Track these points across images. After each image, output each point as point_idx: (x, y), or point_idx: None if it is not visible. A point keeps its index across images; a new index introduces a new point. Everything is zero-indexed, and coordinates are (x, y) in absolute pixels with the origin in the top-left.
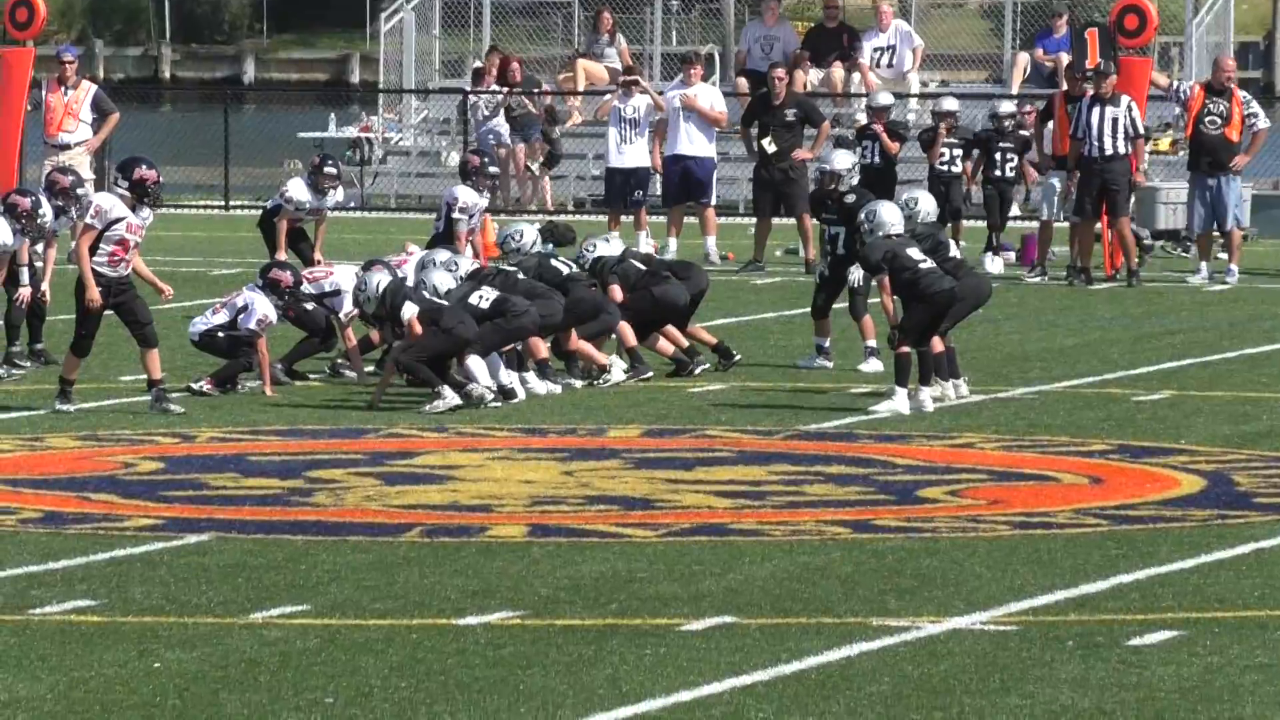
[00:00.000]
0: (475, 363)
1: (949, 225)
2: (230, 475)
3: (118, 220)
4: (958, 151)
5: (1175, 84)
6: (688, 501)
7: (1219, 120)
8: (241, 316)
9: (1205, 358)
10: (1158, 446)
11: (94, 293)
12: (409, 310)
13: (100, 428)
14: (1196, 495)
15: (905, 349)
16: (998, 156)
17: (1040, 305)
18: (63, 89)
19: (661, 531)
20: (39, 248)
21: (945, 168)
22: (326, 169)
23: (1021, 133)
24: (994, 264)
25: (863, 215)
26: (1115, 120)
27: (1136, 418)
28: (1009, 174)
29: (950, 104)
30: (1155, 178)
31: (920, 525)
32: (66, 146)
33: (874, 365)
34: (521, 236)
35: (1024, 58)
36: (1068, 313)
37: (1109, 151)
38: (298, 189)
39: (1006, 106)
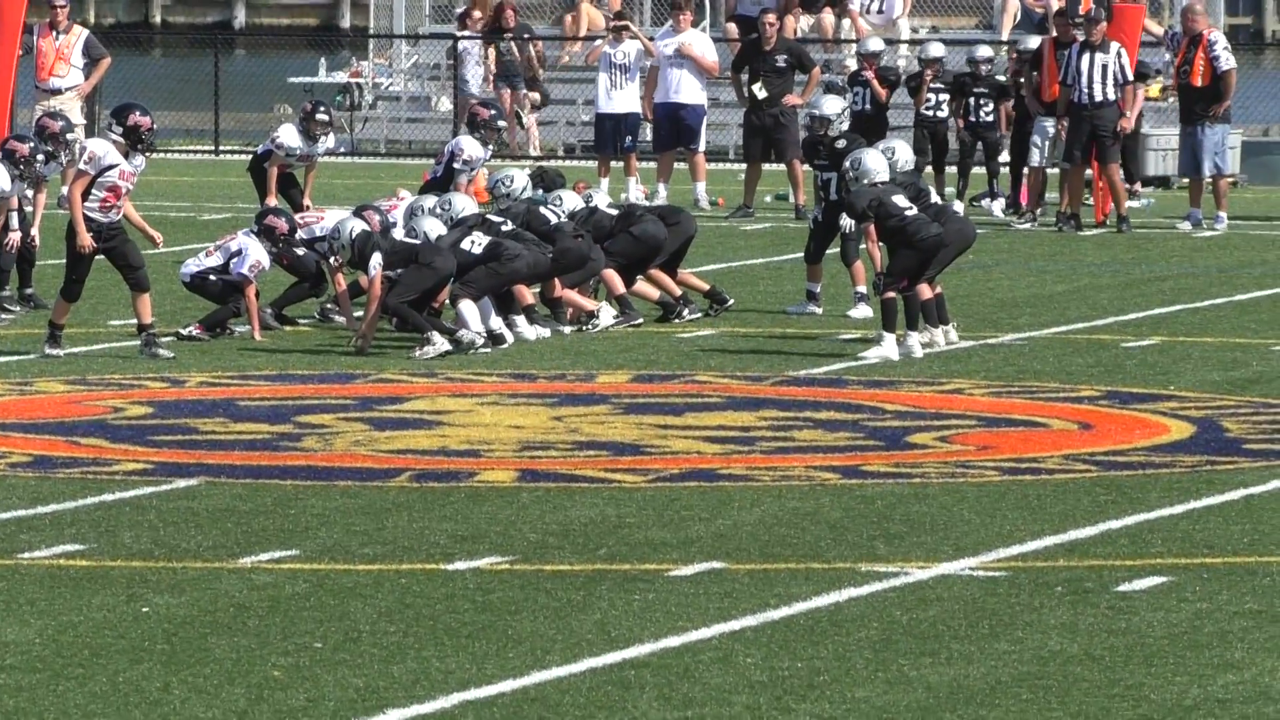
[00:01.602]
0: (468, 308)
1: (939, 169)
2: (219, 420)
3: (110, 167)
4: (944, 97)
5: (1168, 30)
6: (677, 447)
7: (1188, 68)
8: (234, 261)
9: (1194, 304)
10: (1147, 393)
11: (85, 238)
12: (375, 263)
13: (89, 372)
14: (1186, 441)
15: (892, 295)
16: (972, 101)
17: (1030, 251)
18: (54, 33)
19: (651, 477)
20: (29, 192)
21: (931, 113)
22: (319, 115)
23: (998, 78)
24: (995, 207)
25: (847, 163)
26: (1105, 67)
27: (1126, 364)
28: (984, 119)
29: (936, 49)
30: (1145, 124)
31: (909, 471)
32: (58, 91)
33: (863, 311)
34: (512, 182)
35: (1014, 3)
36: (1057, 259)
37: (1098, 98)
38: (289, 134)
39: (983, 51)
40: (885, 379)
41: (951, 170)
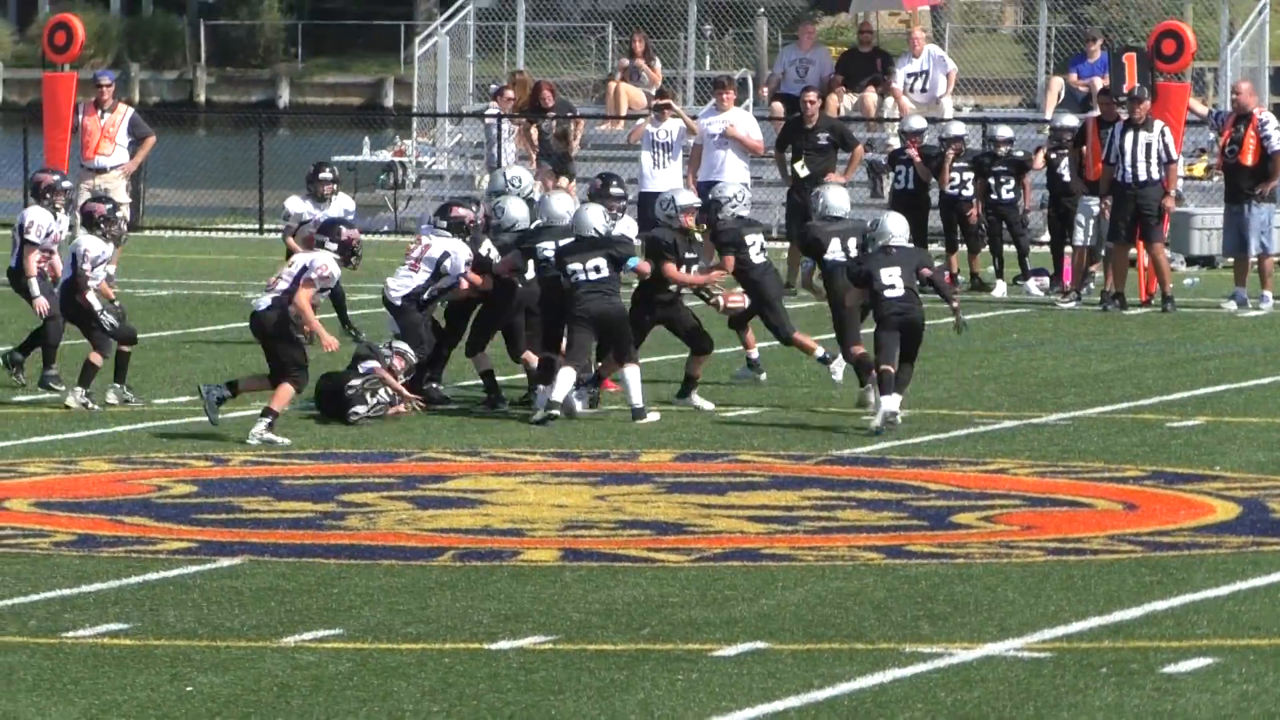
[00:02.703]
0: (567, 375)
1: (959, 251)
2: (263, 498)
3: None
4: (967, 175)
5: (1213, 110)
6: (720, 526)
7: (1236, 147)
8: (448, 265)
9: (1240, 384)
10: (1192, 473)
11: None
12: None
13: (134, 451)
14: (1231, 522)
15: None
16: (992, 181)
17: (1074, 330)
18: (99, 112)
19: (694, 556)
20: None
21: (956, 191)
22: (321, 175)
23: (1016, 154)
24: (1000, 290)
25: (869, 224)
26: (1149, 145)
27: (1171, 443)
28: (1005, 196)
29: (958, 128)
30: (1190, 203)
31: (953, 551)
32: (103, 170)
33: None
34: (504, 212)
35: (1057, 82)
36: (1102, 338)
37: (1142, 177)
38: (294, 203)
39: (1004, 131)
40: (929, 459)
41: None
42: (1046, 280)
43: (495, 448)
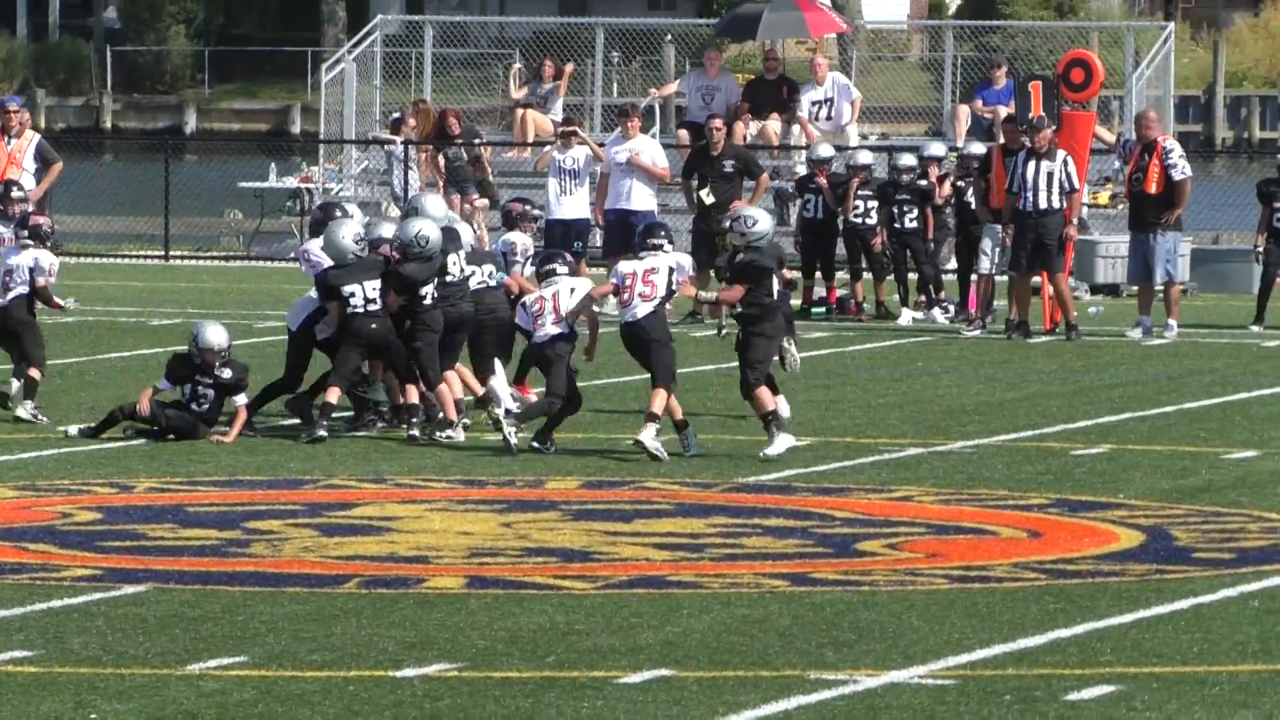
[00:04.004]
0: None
1: (864, 279)
2: (168, 526)
3: None
4: (872, 204)
5: (1119, 138)
6: (626, 554)
7: (1141, 175)
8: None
9: (1144, 411)
10: (1096, 501)
11: None
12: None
13: (38, 477)
14: (1135, 550)
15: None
16: (895, 210)
17: (979, 359)
18: (6, 138)
19: (599, 584)
20: None
21: (859, 220)
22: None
23: (920, 183)
24: (905, 318)
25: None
26: (1050, 174)
27: (1075, 472)
28: (908, 225)
29: (865, 157)
30: (1095, 231)
31: (858, 578)
32: None
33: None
34: (428, 243)
35: (964, 110)
36: (1006, 366)
37: (1044, 206)
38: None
39: (906, 159)
40: (834, 486)
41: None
42: (951, 308)
43: (401, 475)
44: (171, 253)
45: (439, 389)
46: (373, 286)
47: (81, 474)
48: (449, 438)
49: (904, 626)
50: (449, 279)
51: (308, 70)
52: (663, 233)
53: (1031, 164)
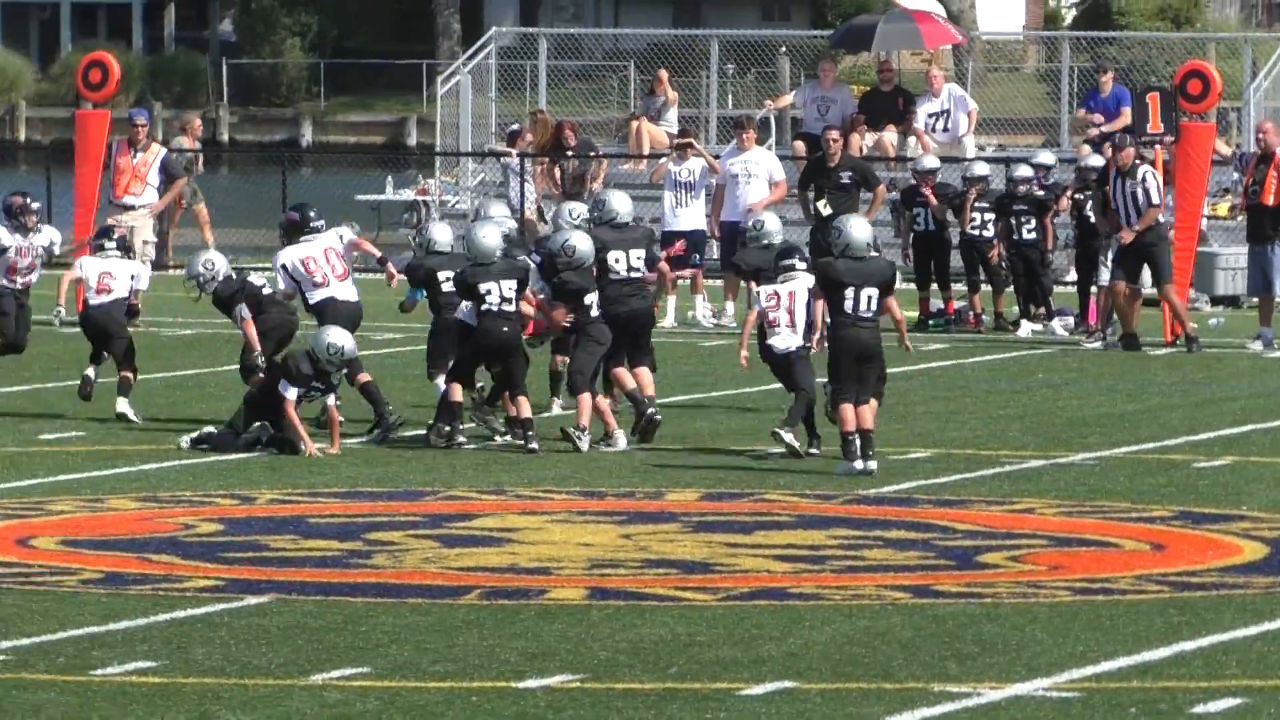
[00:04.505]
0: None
1: (982, 291)
2: (290, 537)
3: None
4: (989, 216)
5: (1237, 150)
6: (747, 565)
7: (1258, 187)
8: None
9: (1266, 424)
10: (1219, 513)
11: None
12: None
13: (161, 489)
14: (1259, 562)
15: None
16: (1014, 221)
17: (1099, 371)
18: (132, 151)
19: (721, 595)
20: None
21: (977, 232)
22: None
23: (1038, 194)
24: (1025, 330)
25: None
26: (1134, 192)
27: (1198, 484)
28: (1026, 236)
29: (981, 168)
30: (1214, 243)
31: (981, 590)
32: (130, 208)
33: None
34: (575, 252)
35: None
36: (1127, 378)
37: (1134, 222)
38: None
39: (1023, 170)
40: (956, 498)
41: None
42: (1071, 320)
43: (521, 486)
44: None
45: (597, 400)
46: (509, 287)
47: (203, 486)
48: (609, 447)
49: (1027, 639)
50: (613, 276)
51: (423, 82)
52: (797, 254)
53: (1119, 182)
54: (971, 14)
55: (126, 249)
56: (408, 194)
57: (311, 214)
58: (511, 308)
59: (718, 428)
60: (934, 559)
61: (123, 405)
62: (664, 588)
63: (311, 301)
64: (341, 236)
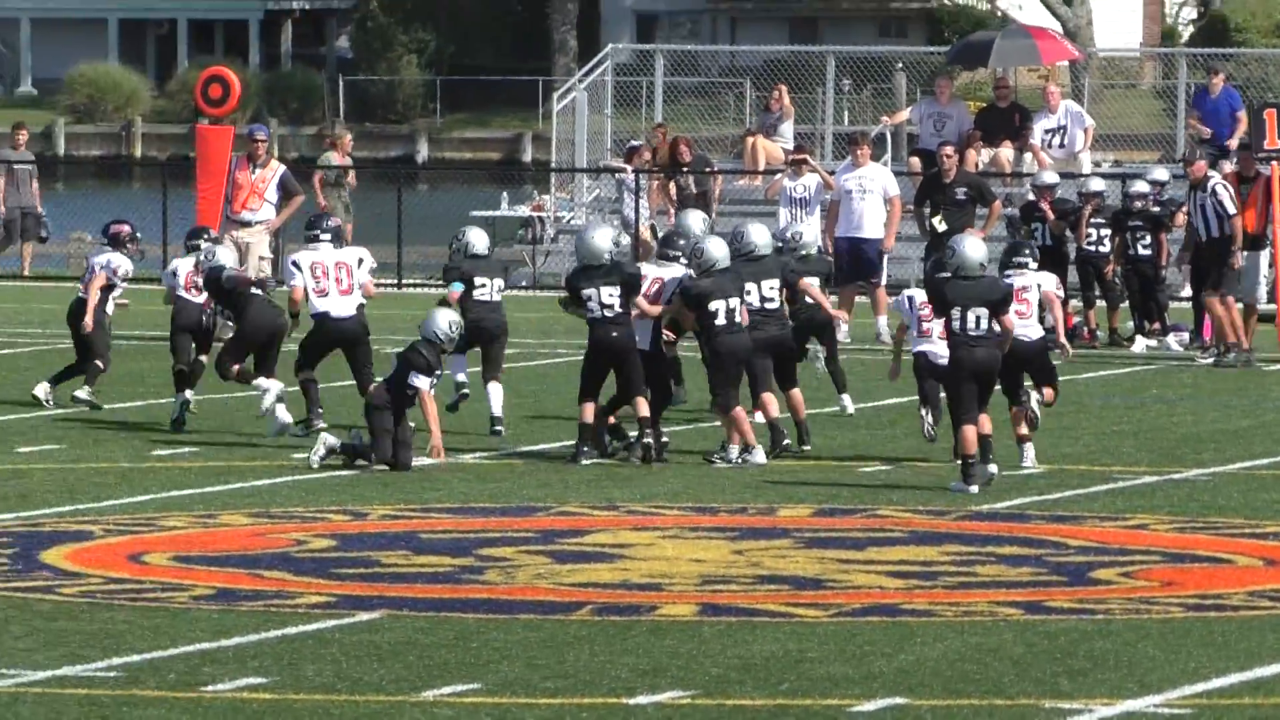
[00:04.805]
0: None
1: (1097, 307)
2: (401, 552)
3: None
4: (1105, 231)
5: None
6: (859, 581)
7: None
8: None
9: None
10: None
11: None
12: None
13: (273, 505)
14: None
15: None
16: (1129, 236)
17: (1214, 386)
18: (251, 167)
19: (833, 611)
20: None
21: (1093, 248)
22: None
23: (1153, 210)
24: (1140, 345)
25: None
26: (1204, 205)
27: None
28: (1141, 252)
29: (1097, 184)
30: None
31: (1093, 606)
32: (247, 224)
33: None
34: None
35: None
36: (1242, 394)
37: (1214, 234)
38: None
39: (1139, 185)
40: (1068, 514)
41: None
42: (1186, 335)
43: (633, 502)
44: (404, 280)
45: (735, 413)
46: (609, 293)
47: (315, 501)
48: (744, 461)
49: (1139, 655)
50: (767, 305)
51: (539, 99)
52: (1027, 251)
53: (1192, 195)
54: (1088, 30)
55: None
56: (523, 210)
57: (325, 223)
58: (615, 313)
59: (830, 443)
60: (1046, 575)
61: (190, 395)
62: (775, 604)
63: (311, 310)
64: (361, 261)
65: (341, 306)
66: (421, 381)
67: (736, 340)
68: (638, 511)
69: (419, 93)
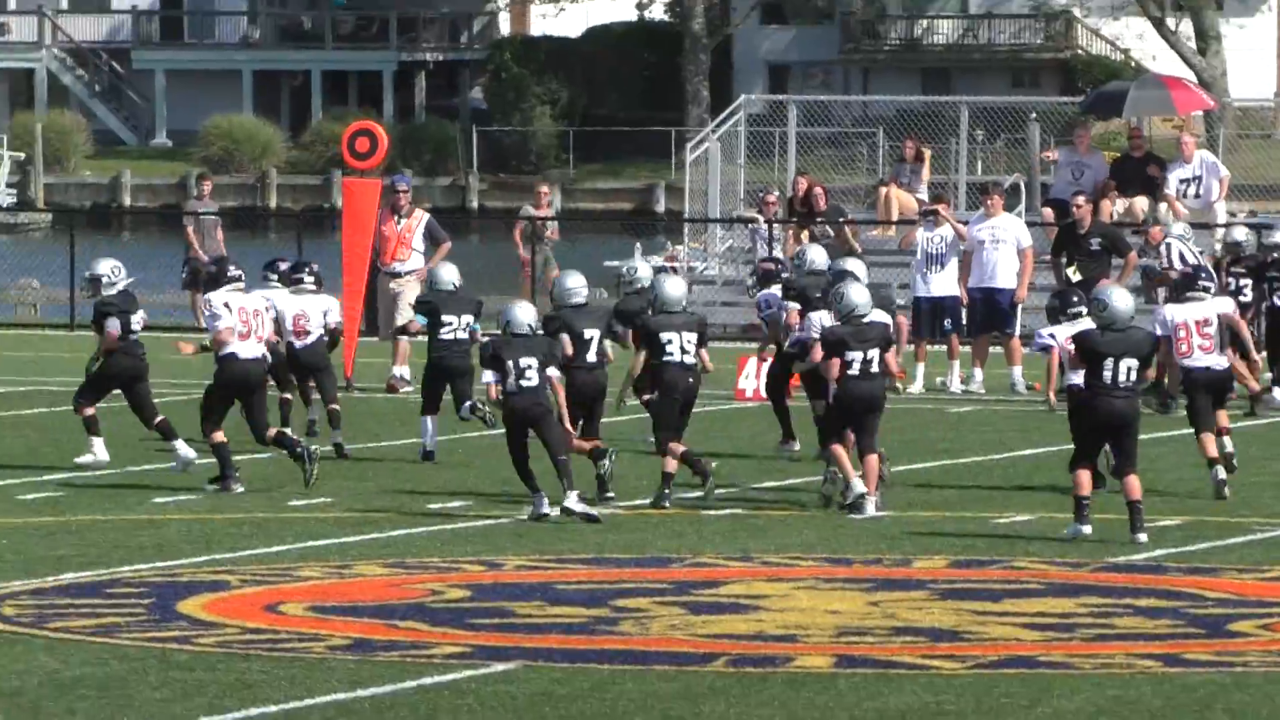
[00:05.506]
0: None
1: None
2: (537, 603)
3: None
4: (1245, 281)
5: None
6: (996, 633)
7: None
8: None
9: None
10: None
11: None
12: None
13: (408, 555)
14: None
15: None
16: (1266, 287)
17: None
18: (396, 218)
19: (969, 663)
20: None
21: (1234, 298)
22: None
23: None
24: (1277, 395)
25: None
26: None
27: None
28: (1278, 302)
29: (1239, 234)
30: None
31: (1231, 659)
32: (398, 274)
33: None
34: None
35: None
36: None
37: None
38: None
39: (1277, 236)
40: (1206, 566)
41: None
42: None
43: (768, 553)
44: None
45: (835, 448)
46: (689, 339)
47: (450, 552)
48: (855, 507)
49: (1278, 709)
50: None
51: (671, 149)
52: (1206, 275)
53: None
54: (1223, 81)
55: (319, 282)
56: (656, 260)
57: (231, 267)
58: (693, 359)
59: (966, 495)
60: (1184, 627)
61: (338, 437)
62: (912, 655)
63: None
64: (271, 304)
65: (250, 349)
66: (558, 371)
67: (869, 387)
68: (772, 562)
69: (552, 143)
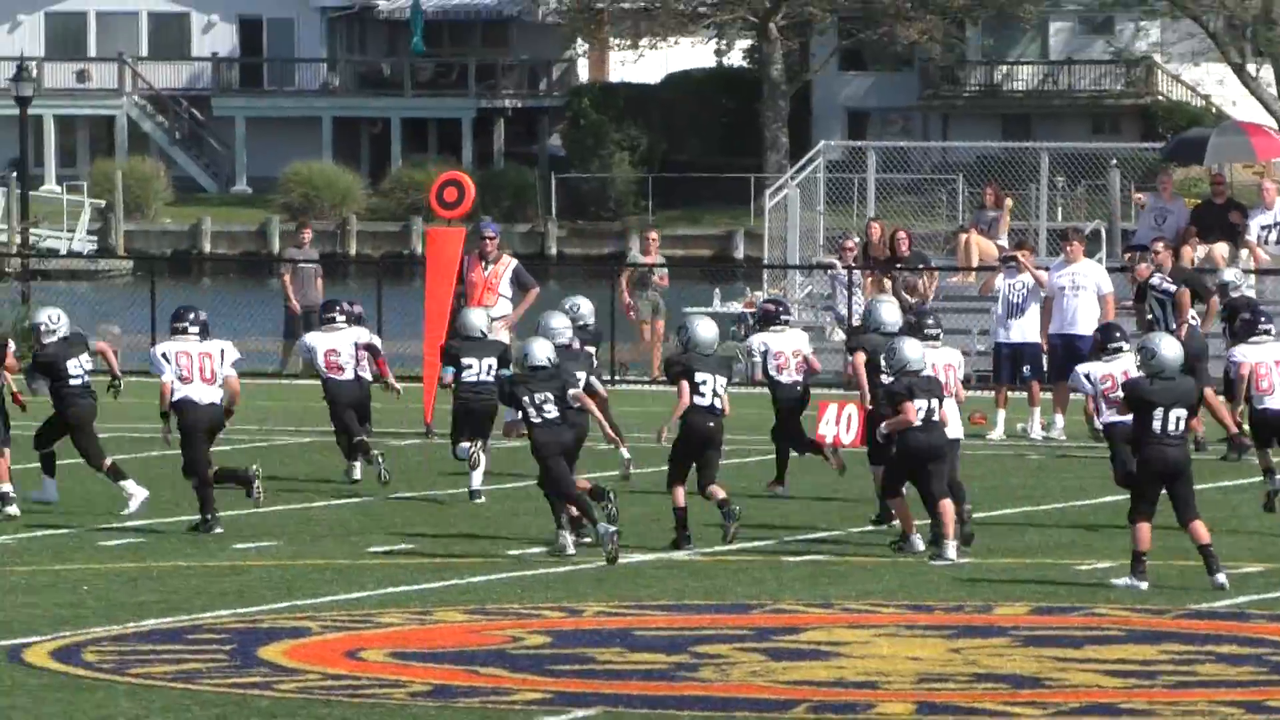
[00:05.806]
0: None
1: None
2: (616, 649)
3: None
4: None
5: None
6: (1077, 680)
7: None
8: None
9: None
10: None
11: None
12: None
13: (488, 601)
14: None
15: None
16: None
17: None
18: (483, 264)
19: (1051, 710)
20: None
21: None
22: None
23: None
24: None
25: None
26: None
27: None
28: None
29: None
30: None
31: None
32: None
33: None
34: (894, 354)
35: None
36: None
37: None
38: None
39: None
40: None
41: None
42: None
43: (849, 599)
44: (617, 378)
45: (898, 501)
46: (722, 384)
47: (530, 598)
48: (945, 556)
49: None
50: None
51: (750, 195)
52: (1266, 317)
53: None
54: None
55: (358, 320)
56: (735, 306)
57: (191, 316)
58: (720, 404)
59: (1047, 541)
60: (1267, 674)
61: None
62: (993, 702)
63: (172, 398)
64: (224, 352)
65: (204, 394)
66: (575, 391)
67: (928, 438)
68: (853, 609)
69: (631, 190)
